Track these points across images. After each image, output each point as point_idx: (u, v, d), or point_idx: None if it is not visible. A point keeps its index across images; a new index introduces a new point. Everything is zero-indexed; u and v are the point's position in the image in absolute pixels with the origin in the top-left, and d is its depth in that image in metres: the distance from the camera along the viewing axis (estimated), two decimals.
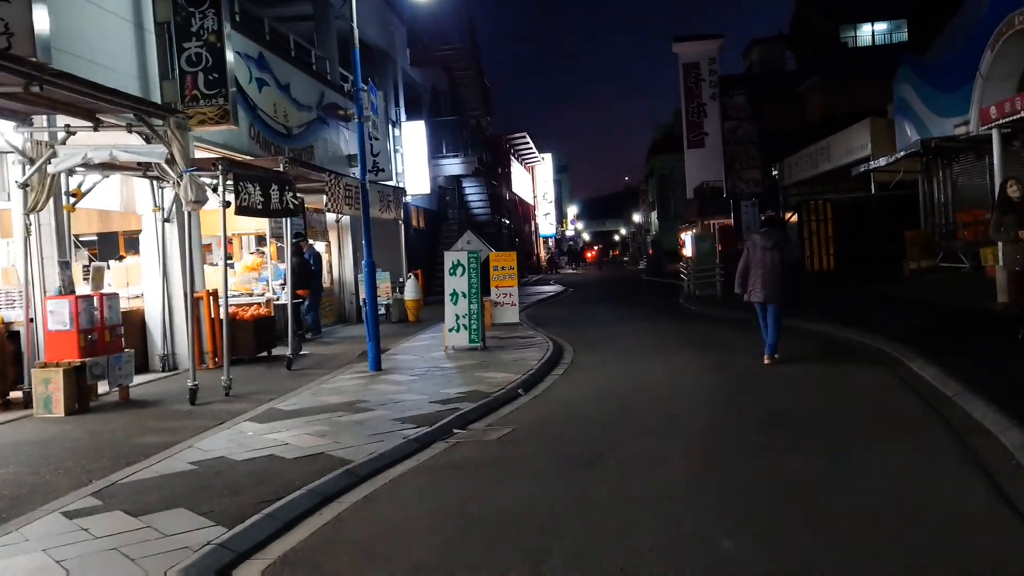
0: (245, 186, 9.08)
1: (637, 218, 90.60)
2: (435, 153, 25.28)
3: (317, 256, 15.29)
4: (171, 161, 8.00)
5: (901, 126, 21.09)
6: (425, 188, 22.93)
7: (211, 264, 15.57)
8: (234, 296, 13.47)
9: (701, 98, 48.97)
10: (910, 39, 41.46)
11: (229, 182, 8.68)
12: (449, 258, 12.19)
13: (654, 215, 74.01)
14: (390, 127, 22.23)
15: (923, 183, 21.60)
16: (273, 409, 7.89)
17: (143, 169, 8.73)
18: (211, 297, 11.11)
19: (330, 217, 17.91)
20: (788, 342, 10.91)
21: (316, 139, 16.66)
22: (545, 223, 55.31)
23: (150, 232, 10.88)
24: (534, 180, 53.20)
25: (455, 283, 12.09)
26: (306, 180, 14.12)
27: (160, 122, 7.81)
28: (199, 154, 11.31)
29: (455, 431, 6.80)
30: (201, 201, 8.08)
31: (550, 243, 60.04)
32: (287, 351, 11.06)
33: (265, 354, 11.96)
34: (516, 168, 45.06)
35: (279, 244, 15.82)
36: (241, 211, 8.88)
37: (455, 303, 12.04)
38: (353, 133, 19.19)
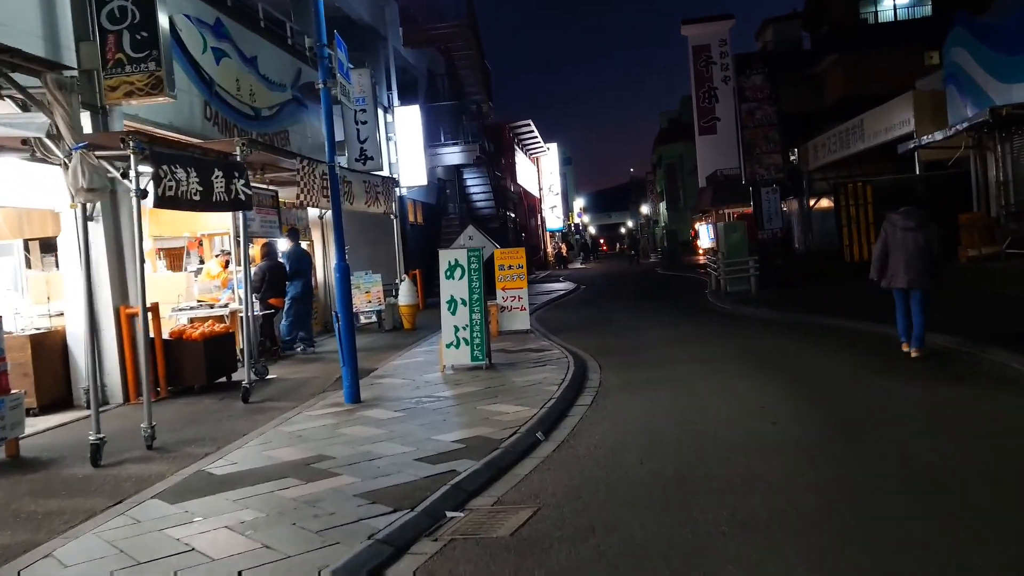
0: (172, 170, 6.91)
1: (645, 209, 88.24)
2: (432, 141, 23.07)
3: (299, 256, 13.09)
4: (57, 136, 5.83)
5: (953, 97, 18.77)
6: (422, 179, 20.73)
7: (180, 270, 13.44)
8: (193, 309, 11.32)
9: (712, 82, 46.83)
10: (934, 13, 39.35)
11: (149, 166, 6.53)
12: (445, 258, 10.00)
13: (662, 206, 71.62)
14: (381, 112, 20.04)
15: (975, 160, 19.33)
16: (201, 474, 5.73)
17: (31, 149, 6.56)
18: (151, 313, 8.92)
19: (312, 213, 15.74)
20: (876, 352, 8.74)
21: (292, 123, 14.48)
22: (552, 216, 53.01)
23: (71, 234, 8.70)
24: (539, 171, 50.88)
25: (453, 288, 9.91)
26: (276, 168, 11.95)
27: (35, 81, 5.64)
28: None
29: (449, 515, 4.63)
30: (98, 189, 5.91)
31: (557, 237, 57.78)
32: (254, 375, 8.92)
33: (224, 380, 9.79)
34: (521, 159, 42.80)
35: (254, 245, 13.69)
36: (164, 203, 6.70)
37: (453, 312, 9.85)
38: (338, 118, 17.02)
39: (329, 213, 16.38)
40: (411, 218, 22.22)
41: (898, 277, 8.39)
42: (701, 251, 50.20)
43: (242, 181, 8.30)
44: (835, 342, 10.38)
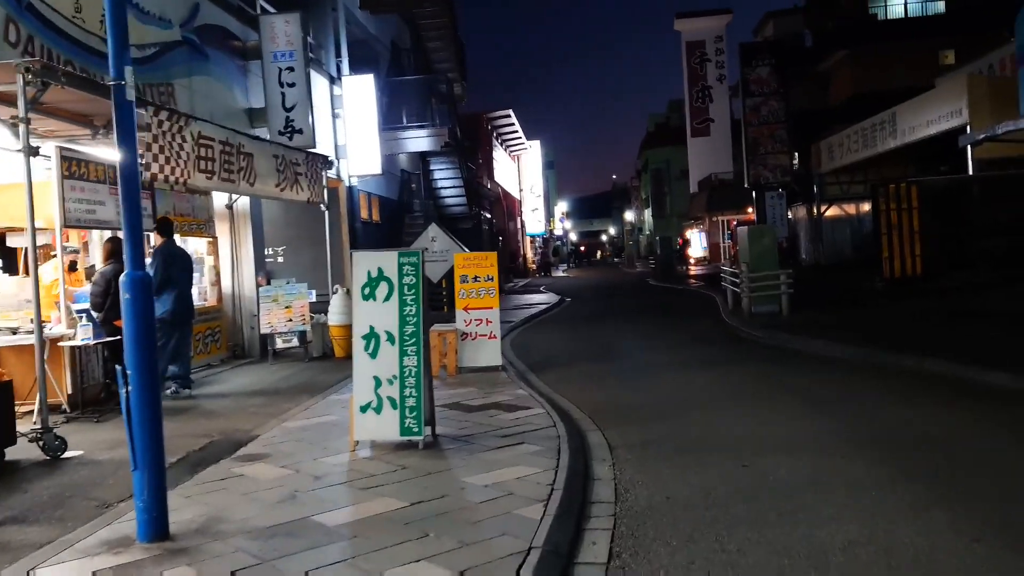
0: None
1: (629, 216, 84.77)
2: (394, 123, 19.25)
3: (172, 258, 9.07)
4: None
5: None
6: (375, 167, 16.87)
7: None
8: None
9: (706, 80, 43.46)
10: (947, 9, 36.70)
11: None
12: (362, 266, 6.14)
13: (648, 212, 68.13)
14: (327, 82, 16.23)
15: None
16: None
17: None
18: None
19: (218, 200, 11.88)
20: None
21: (183, 76, 10.59)
22: (533, 220, 49.16)
23: None
24: (520, 170, 47.09)
25: (373, 314, 6.07)
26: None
27: None
28: None
29: None
30: None
31: (538, 242, 54.03)
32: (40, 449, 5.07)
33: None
34: (500, 155, 39.01)
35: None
36: None
37: (373, 355, 6.02)
38: (257, 76, 13.15)
39: (243, 200, 12.59)
40: (364, 214, 18.35)
41: None
42: (693, 260, 46.87)
43: None
44: (985, 404, 6.68)
